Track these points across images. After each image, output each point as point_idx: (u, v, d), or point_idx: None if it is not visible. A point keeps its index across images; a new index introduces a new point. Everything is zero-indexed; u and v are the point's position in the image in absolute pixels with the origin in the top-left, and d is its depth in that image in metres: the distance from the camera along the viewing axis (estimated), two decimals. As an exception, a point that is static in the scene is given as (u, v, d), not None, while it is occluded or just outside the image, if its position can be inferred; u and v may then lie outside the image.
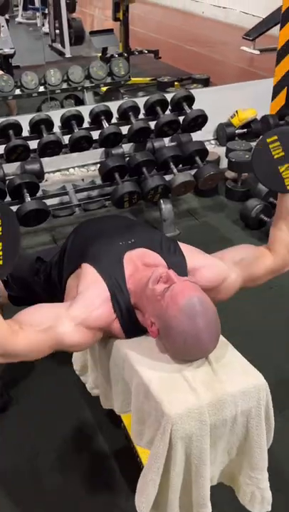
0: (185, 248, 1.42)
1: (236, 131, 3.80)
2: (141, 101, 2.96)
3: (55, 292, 1.65)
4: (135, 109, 2.89)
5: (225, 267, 1.39)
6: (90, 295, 1.27)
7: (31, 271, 1.72)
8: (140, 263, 1.34)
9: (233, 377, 1.15)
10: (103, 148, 3.22)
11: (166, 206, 2.94)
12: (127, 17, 5.17)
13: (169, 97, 2.97)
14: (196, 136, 3.32)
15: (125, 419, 1.72)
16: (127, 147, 3.20)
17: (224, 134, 3.75)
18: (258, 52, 7.06)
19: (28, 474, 1.72)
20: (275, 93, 4.02)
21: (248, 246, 1.49)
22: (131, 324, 1.28)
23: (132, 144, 3.09)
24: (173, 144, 3.32)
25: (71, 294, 1.37)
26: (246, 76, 5.96)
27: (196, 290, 1.17)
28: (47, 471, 1.73)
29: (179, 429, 1.08)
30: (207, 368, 1.17)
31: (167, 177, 2.87)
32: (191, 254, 1.39)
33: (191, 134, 3.17)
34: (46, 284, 1.67)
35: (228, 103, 3.79)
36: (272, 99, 4.04)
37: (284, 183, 1.32)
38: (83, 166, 3.38)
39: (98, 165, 3.42)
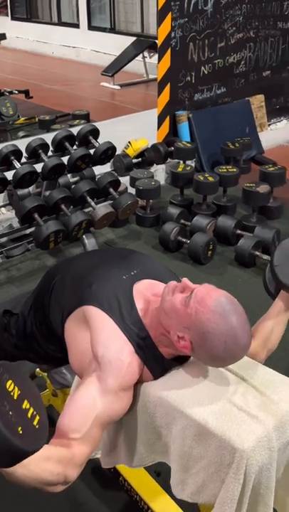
0: None
1: (133, 161, 3.88)
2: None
3: (31, 347, 1.47)
4: (45, 146, 2.78)
5: None
6: (113, 356, 1.15)
7: (-2, 327, 1.52)
8: (150, 294, 1.25)
9: (282, 394, 1.12)
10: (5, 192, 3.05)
11: (89, 241, 2.85)
12: (-9, 58, 5.01)
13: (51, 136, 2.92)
14: (95, 169, 3.31)
15: (125, 471, 1.58)
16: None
17: (122, 165, 3.79)
18: (118, 87, 7.33)
19: None
20: (160, 122, 4.22)
21: None
22: (157, 363, 1.19)
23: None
24: (76, 179, 3.26)
25: (77, 347, 1.23)
26: (115, 109, 6.15)
27: (218, 290, 1.13)
28: None
29: (253, 463, 1.01)
30: (252, 391, 1.12)
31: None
32: None
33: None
34: (20, 339, 1.48)
35: (119, 135, 3.85)
36: (158, 128, 4.23)
37: None
38: (-14, 211, 3.16)
39: (2, 209, 3.23)
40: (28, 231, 2.84)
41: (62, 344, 1.29)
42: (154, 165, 4.06)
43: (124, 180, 3.59)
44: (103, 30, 8.73)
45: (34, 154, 2.76)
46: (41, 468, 1.00)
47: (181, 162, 3.88)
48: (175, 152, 3.95)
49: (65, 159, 2.87)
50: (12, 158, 2.68)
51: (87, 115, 4.75)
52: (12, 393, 0.94)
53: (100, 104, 6.70)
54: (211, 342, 1.07)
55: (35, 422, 0.94)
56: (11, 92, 5.53)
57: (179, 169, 3.63)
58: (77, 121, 4.55)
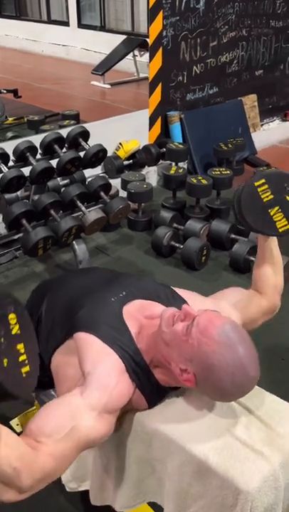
0: (181, 292, 1.28)
1: (124, 163, 3.78)
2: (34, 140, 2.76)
3: None
4: (33, 149, 2.67)
5: (226, 309, 1.28)
6: (102, 372, 1.05)
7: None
8: (142, 317, 1.17)
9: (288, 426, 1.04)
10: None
11: (80, 247, 2.74)
12: (-21, 56, 4.88)
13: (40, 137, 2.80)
14: (86, 171, 3.21)
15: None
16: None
17: (113, 167, 3.70)
18: (108, 86, 7.23)
19: None
20: (151, 123, 4.12)
21: (239, 289, 1.40)
22: (152, 389, 1.10)
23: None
24: (65, 182, 3.16)
25: (65, 373, 1.13)
26: (106, 108, 6.05)
27: (222, 317, 1.04)
28: None
29: (259, 505, 0.92)
30: (256, 423, 1.04)
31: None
32: (192, 297, 1.26)
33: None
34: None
35: (110, 136, 3.75)
36: (149, 129, 4.13)
37: (276, 226, 1.27)
38: None
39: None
40: (16, 237, 2.74)
41: (48, 371, 1.20)
42: (146, 167, 3.97)
43: (116, 182, 3.50)
44: (93, 28, 8.61)
45: (22, 157, 2.65)
46: (4, 453, 0.87)
47: (173, 164, 3.79)
48: (167, 153, 3.86)
49: (54, 162, 2.76)
50: (-2, 161, 2.58)
51: (77, 115, 4.64)
52: (11, 327, 0.86)
53: (91, 104, 6.59)
54: (218, 375, 0.98)
55: (23, 370, 0.85)
56: (-2, 92, 5.41)
57: (172, 171, 3.55)
58: (67, 121, 4.43)
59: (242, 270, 2.90)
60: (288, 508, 1.03)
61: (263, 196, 1.24)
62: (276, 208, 1.25)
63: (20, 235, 2.60)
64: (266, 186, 1.25)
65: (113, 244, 3.22)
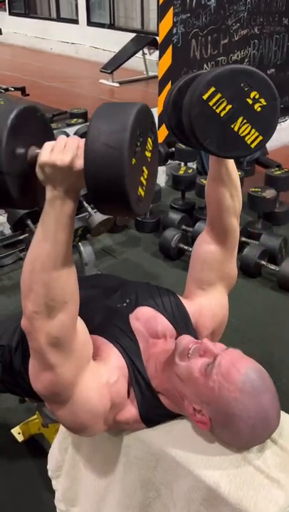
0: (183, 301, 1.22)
1: (132, 163, 3.72)
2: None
3: (17, 383, 1.31)
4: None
5: (207, 307, 1.20)
6: (111, 363, 1.00)
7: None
8: (149, 334, 1.09)
9: (307, 450, 0.96)
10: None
11: (86, 248, 2.68)
12: (-14, 54, 4.84)
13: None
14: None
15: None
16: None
17: (121, 166, 3.63)
18: (117, 84, 7.18)
19: None
20: (160, 122, 4.05)
21: (198, 263, 1.24)
22: (152, 409, 1.02)
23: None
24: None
25: None
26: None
27: (246, 359, 0.95)
28: None
29: (274, 539, 0.85)
30: (270, 445, 0.96)
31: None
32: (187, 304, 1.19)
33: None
34: (7, 375, 1.32)
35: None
36: (158, 128, 4.06)
37: (245, 143, 0.99)
38: None
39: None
40: (20, 237, 2.69)
41: None
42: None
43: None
44: (102, 26, 8.56)
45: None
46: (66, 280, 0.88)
47: (182, 164, 3.72)
48: (176, 153, 3.79)
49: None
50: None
51: (85, 114, 4.59)
52: (146, 147, 0.84)
53: (99, 102, 6.40)
54: (237, 425, 0.90)
55: (139, 189, 0.81)
56: (6, 90, 5.37)
57: (181, 172, 3.47)
58: (75, 120, 4.39)
59: (252, 274, 2.82)
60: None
61: (218, 110, 0.95)
62: (240, 120, 0.98)
63: (25, 235, 2.55)
64: (219, 95, 0.95)
65: (120, 246, 3.15)
